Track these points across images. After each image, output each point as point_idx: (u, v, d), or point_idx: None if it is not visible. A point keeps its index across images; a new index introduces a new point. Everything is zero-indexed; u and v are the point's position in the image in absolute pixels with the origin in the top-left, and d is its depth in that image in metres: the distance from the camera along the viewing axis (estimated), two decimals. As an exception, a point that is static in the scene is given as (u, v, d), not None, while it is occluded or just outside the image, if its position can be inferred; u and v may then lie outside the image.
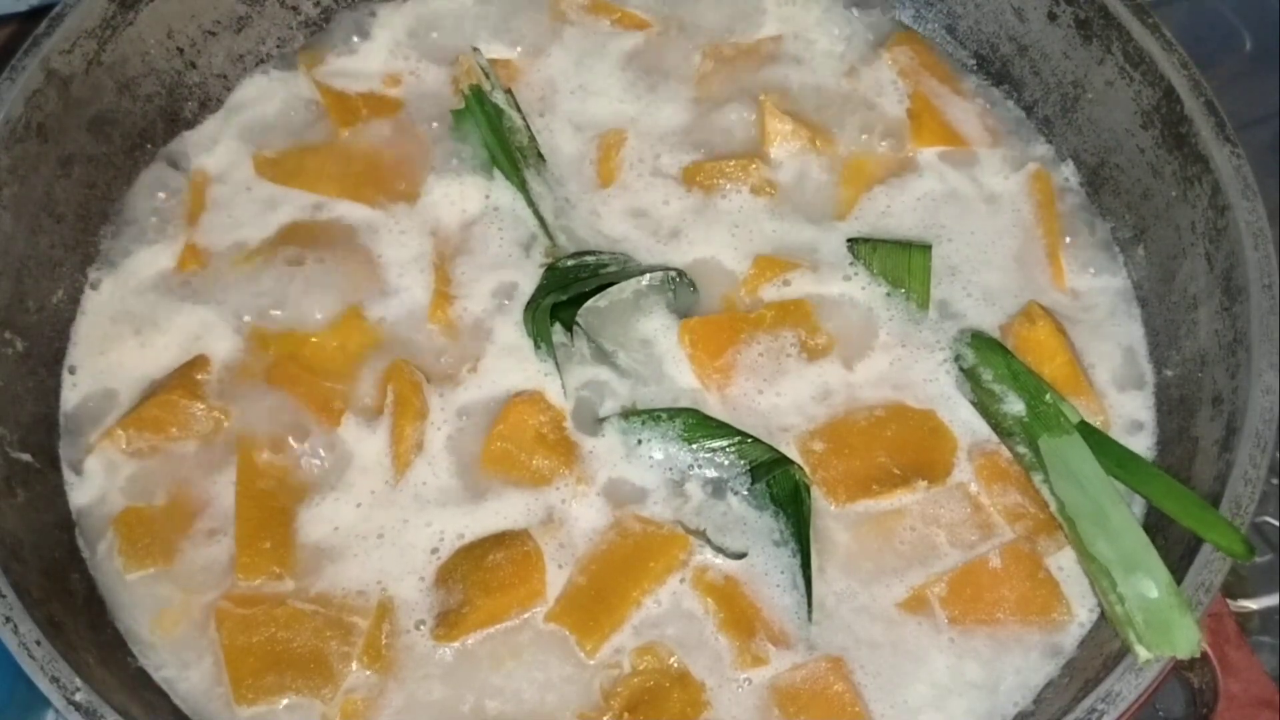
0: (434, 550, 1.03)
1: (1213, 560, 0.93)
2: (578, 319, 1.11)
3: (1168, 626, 0.91)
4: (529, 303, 1.13)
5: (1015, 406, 1.07)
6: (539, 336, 1.11)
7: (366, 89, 1.25)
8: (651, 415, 1.07)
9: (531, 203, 1.18)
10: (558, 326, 1.11)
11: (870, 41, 1.30)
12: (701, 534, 1.03)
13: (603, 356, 1.11)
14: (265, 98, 1.25)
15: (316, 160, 1.21)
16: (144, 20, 1.17)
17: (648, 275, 1.13)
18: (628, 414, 1.08)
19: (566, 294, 1.11)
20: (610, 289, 1.12)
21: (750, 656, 0.99)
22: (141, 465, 1.07)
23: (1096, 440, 1.04)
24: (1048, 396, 1.06)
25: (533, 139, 1.22)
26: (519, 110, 1.23)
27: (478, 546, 1.03)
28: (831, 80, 1.28)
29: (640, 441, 1.07)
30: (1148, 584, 0.93)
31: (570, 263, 1.14)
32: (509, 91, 1.24)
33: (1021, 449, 1.05)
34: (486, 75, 1.23)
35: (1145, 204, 1.16)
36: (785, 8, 1.31)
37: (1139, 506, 1.05)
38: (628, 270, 1.14)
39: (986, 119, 1.27)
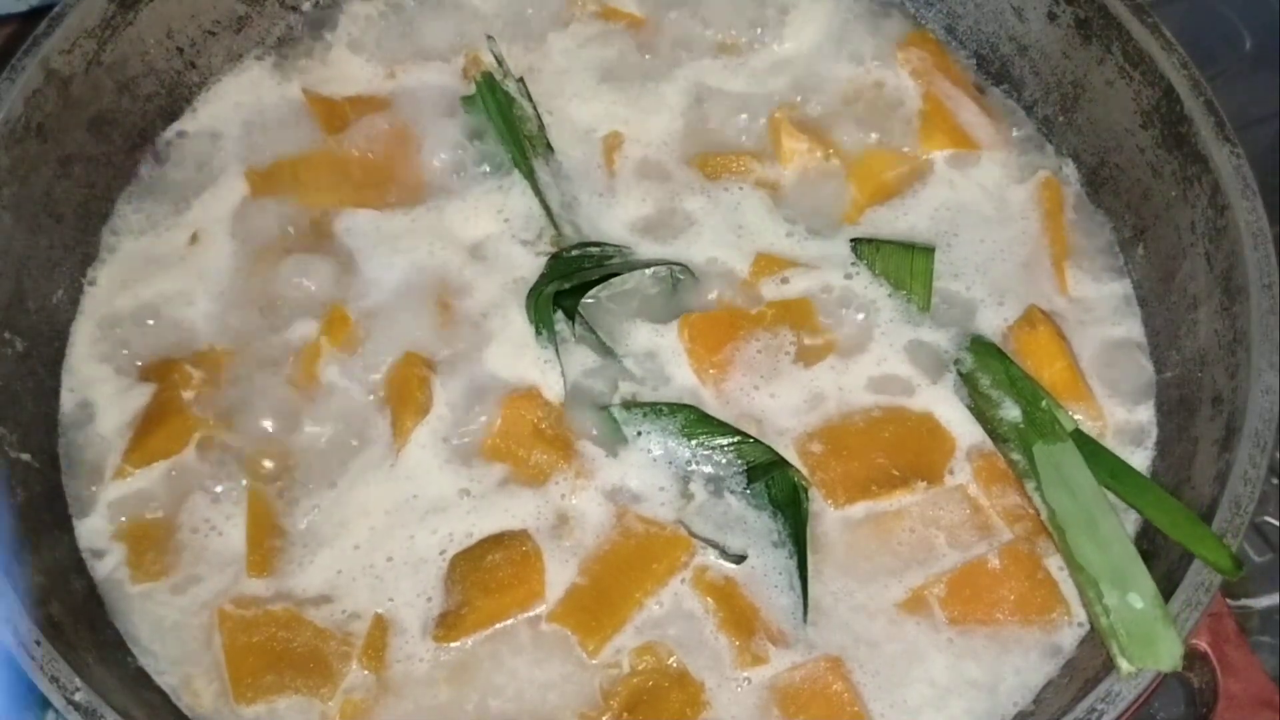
0: (442, 551, 1.03)
1: (1212, 560, 0.93)
2: (579, 309, 1.11)
3: (1151, 639, 0.91)
4: (532, 289, 1.13)
5: (1011, 412, 1.07)
6: (540, 323, 1.11)
7: (366, 89, 1.25)
8: (652, 408, 1.07)
9: (538, 191, 1.18)
10: (559, 315, 1.11)
11: (882, 41, 1.29)
12: (707, 540, 1.03)
13: (602, 348, 1.11)
14: (263, 98, 1.25)
15: (310, 164, 1.20)
16: (144, 20, 1.17)
17: (650, 269, 1.14)
18: (628, 406, 1.08)
19: (569, 282, 1.11)
20: (612, 280, 1.12)
21: (750, 656, 0.99)
22: (144, 479, 1.06)
23: (1090, 449, 1.04)
24: (1044, 403, 1.06)
25: (542, 128, 1.22)
26: (530, 99, 1.23)
27: (477, 547, 1.02)
28: (841, 79, 1.27)
29: (640, 434, 1.07)
30: (1133, 596, 0.93)
31: (575, 253, 1.15)
32: (521, 80, 1.24)
33: (1015, 456, 1.05)
34: (500, 63, 1.24)
35: (1145, 204, 1.16)
36: (794, 8, 1.31)
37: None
38: (631, 263, 1.14)
39: (997, 121, 1.26)
